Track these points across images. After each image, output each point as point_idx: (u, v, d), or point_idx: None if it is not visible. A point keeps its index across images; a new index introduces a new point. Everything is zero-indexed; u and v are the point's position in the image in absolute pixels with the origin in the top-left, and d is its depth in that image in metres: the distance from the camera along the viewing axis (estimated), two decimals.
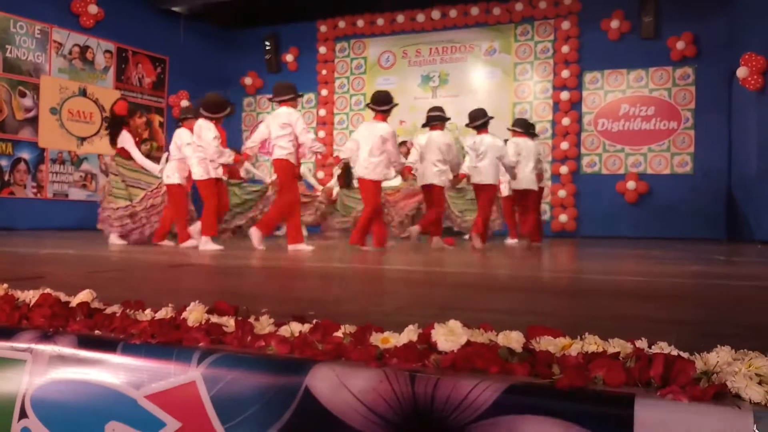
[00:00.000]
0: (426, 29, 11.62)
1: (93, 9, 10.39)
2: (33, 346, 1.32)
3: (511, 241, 7.85)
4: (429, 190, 6.46)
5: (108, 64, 10.85)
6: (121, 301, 1.53)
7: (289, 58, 12.57)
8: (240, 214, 8.29)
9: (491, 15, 11.16)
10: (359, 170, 6.08)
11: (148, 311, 1.45)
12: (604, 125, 10.51)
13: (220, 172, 5.91)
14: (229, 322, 1.33)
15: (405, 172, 7.33)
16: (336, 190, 9.52)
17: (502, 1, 11.05)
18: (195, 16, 11.96)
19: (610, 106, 10.49)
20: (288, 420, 1.07)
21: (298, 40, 12.46)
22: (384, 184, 6.39)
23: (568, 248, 7.09)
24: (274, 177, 7.02)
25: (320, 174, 11.63)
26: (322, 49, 12.33)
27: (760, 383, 0.90)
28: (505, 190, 7.95)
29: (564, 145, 10.61)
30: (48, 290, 1.60)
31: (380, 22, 11.85)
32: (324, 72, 12.37)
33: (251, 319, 1.34)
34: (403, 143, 8.35)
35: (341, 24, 12.17)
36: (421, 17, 11.56)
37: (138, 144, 6.89)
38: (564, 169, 10.57)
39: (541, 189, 7.63)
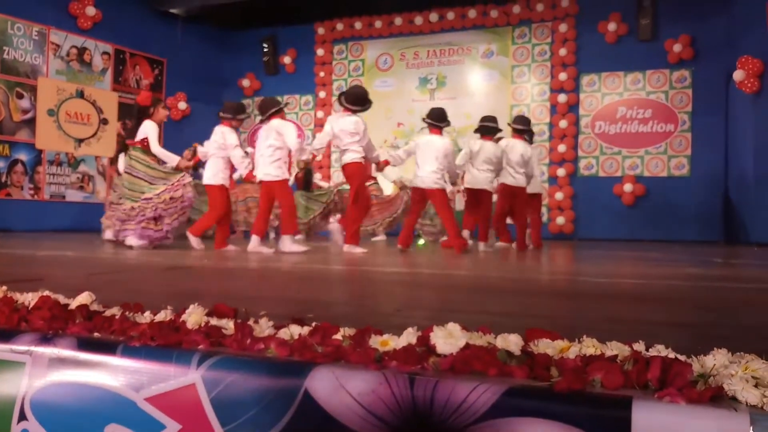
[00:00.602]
0: (424, 32, 11.64)
1: (91, 11, 10.39)
2: (32, 348, 1.32)
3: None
4: (476, 194, 6.66)
5: (106, 65, 10.85)
6: (120, 304, 1.53)
7: (286, 60, 12.58)
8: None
9: (489, 18, 11.19)
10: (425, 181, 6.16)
11: (147, 314, 1.46)
12: (602, 128, 10.54)
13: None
14: (228, 325, 1.34)
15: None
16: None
17: (500, 4, 11.08)
18: (193, 17, 11.97)
19: (607, 108, 10.51)
20: (288, 422, 1.07)
21: (296, 42, 12.48)
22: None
23: (566, 251, 7.09)
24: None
25: (317, 175, 11.62)
26: (320, 51, 12.35)
27: (756, 386, 0.90)
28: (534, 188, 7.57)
29: (561, 148, 10.63)
30: (47, 293, 1.60)
31: (378, 24, 11.87)
32: (322, 74, 12.39)
33: (251, 322, 1.34)
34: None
35: (339, 26, 12.18)
36: (418, 20, 11.58)
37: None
38: (561, 172, 10.59)
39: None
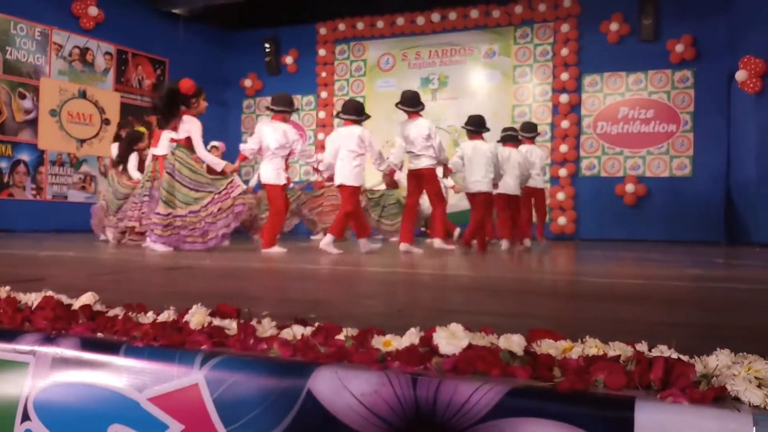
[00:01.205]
0: (426, 32, 11.64)
1: (93, 11, 10.40)
2: (36, 348, 1.33)
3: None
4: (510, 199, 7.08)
5: (108, 66, 10.86)
6: (123, 304, 1.54)
7: (288, 60, 12.59)
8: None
9: (491, 18, 11.18)
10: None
11: (150, 314, 1.46)
12: (603, 128, 10.53)
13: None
14: (231, 325, 1.34)
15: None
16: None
17: (502, 4, 11.07)
18: (195, 17, 11.98)
19: (609, 108, 10.50)
20: (290, 422, 1.07)
21: (298, 43, 12.48)
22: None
23: (567, 251, 7.09)
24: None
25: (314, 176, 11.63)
26: (322, 52, 12.35)
27: (759, 386, 0.90)
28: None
29: (563, 148, 10.62)
30: (50, 293, 1.60)
31: (380, 24, 11.87)
32: (324, 74, 12.38)
33: (253, 322, 1.35)
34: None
35: (341, 26, 12.18)
36: (420, 20, 11.58)
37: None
38: (563, 172, 10.59)
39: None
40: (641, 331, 1.33)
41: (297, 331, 1.28)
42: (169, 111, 5.55)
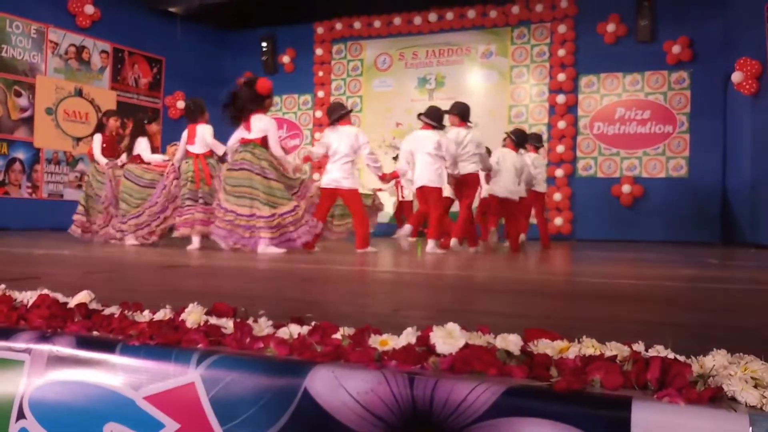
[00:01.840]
0: (423, 32, 11.65)
1: (89, 9, 10.38)
2: (31, 346, 1.32)
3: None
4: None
5: (104, 64, 10.84)
6: (119, 302, 1.53)
7: (285, 59, 12.58)
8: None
9: (488, 18, 11.19)
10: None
11: (146, 312, 1.46)
12: (600, 128, 10.55)
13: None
14: (227, 324, 1.33)
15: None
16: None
17: (499, 4, 11.08)
18: (192, 16, 11.97)
19: (605, 109, 10.52)
20: (287, 421, 1.07)
21: (295, 42, 12.47)
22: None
23: (564, 251, 7.11)
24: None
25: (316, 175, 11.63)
26: (319, 51, 12.34)
27: (755, 386, 0.90)
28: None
29: (560, 149, 10.64)
30: (46, 291, 1.60)
31: (377, 24, 11.87)
32: (321, 74, 12.38)
33: (250, 321, 1.34)
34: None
35: (338, 26, 12.18)
36: (418, 20, 11.58)
37: None
38: (559, 173, 10.60)
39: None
40: (638, 331, 1.33)
41: (293, 330, 1.28)
42: (245, 111, 5.46)
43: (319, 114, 12.23)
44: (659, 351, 1.06)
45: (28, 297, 1.58)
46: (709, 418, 0.85)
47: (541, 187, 8.11)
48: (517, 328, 1.20)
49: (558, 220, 10.54)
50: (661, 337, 1.14)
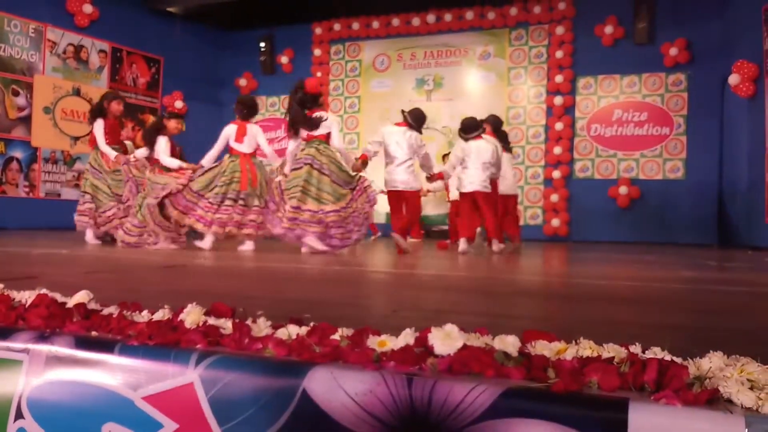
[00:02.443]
0: (421, 33, 11.64)
1: (88, 8, 10.36)
2: (30, 346, 1.32)
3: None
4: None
5: (102, 63, 10.82)
6: (117, 302, 1.53)
7: (284, 59, 12.57)
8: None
9: (486, 19, 11.20)
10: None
11: (145, 312, 1.46)
12: (597, 130, 10.56)
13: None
14: (226, 324, 1.34)
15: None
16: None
17: (497, 6, 11.09)
18: (190, 16, 11.95)
19: (603, 111, 10.54)
20: (285, 422, 1.07)
21: (293, 42, 12.46)
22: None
23: (561, 253, 7.11)
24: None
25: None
26: (317, 52, 12.34)
27: (751, 388, 0.91)
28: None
29: (557, 150, 10.65)
30: (44, 291, 1.60)
31: (375, 25, 11.87)
32: (319, 74, 12.36)
33: (249, 321, 1.35)
34: None
35: (336, 26, 12.18)
36: (416, 21, 11.58)
37: None
38: (557, 174, 10.61)
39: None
40: (635, 333, 1.34)
41: (292, 331, 1.28)
42: (306, 117, 5.60)
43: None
44: (656, 353, 1.07)
45: (26, 297, 1.58)
46: (705, 419, 0.86)
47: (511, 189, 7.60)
48: (515, 329, 1.20)
49: (555, 222, 10.55)
50: (658, 339, 1.14)
